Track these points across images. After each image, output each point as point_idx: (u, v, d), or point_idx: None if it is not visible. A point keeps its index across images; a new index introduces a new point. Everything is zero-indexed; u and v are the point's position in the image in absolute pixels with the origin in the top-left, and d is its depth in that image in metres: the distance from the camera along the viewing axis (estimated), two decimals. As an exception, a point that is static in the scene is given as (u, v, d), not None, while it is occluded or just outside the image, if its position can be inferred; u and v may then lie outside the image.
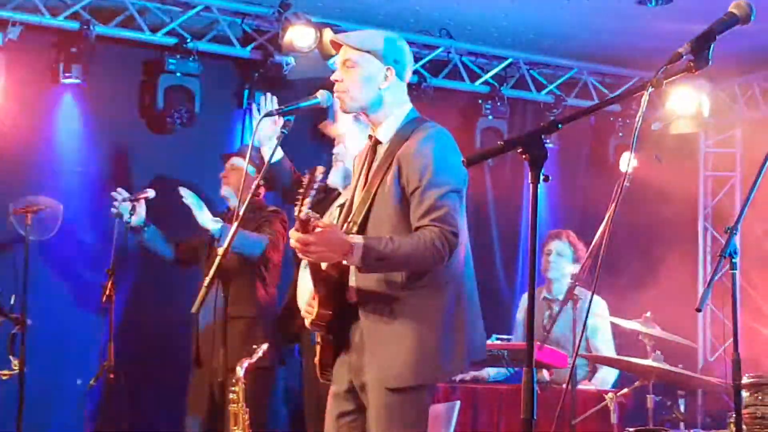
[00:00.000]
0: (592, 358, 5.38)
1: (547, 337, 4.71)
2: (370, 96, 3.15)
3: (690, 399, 4.69)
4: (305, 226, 2.88)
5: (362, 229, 3.08)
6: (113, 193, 5.04)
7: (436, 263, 2.98)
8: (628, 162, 2.80)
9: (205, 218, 4.81)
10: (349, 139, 4.26)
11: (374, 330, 3.04)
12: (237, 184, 5.04)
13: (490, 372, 5.45)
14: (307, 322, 3.15)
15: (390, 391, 3.00)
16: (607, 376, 5.38)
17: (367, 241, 2.93)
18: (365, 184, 3.16)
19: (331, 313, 3.06)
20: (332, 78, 3.18)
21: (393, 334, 3.01)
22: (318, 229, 2.90)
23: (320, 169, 3.01)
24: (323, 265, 3.07)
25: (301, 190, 2.93)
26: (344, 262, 2.99)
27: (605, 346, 5.49)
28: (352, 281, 3.09)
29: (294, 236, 2.91)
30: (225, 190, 5.19)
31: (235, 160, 5.20)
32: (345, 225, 3.14)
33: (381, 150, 3.18)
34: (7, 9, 5.51)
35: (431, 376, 3.06)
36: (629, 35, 6.58)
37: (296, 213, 2.89)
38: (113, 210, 5.00)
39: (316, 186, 2.93)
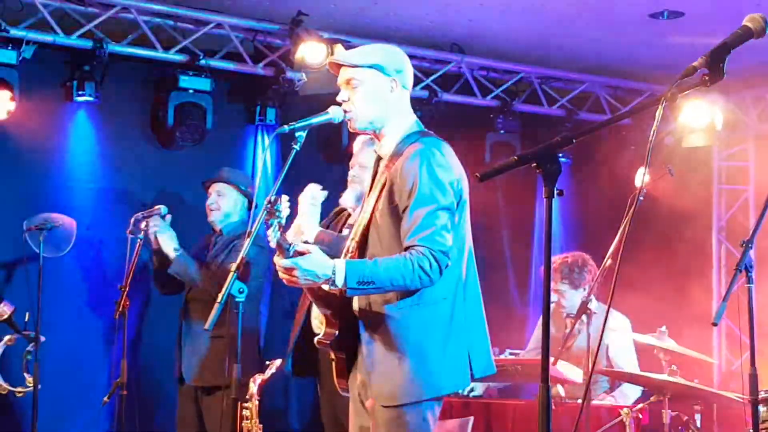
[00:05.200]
0: (608, 373, 5.33)
1: (561, 353, 4.69)
2: (379, 111, 3.12)
3: (706, 414, 4.64)
4: (284, 252, 2.86)
5: (362, 248, 3.07)
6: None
7: (423, 284, 2.92)
8: (642, 176, 2.77)
9: (168, 247, 5.03)
10: (365, 160, 4.25)
11: (371, 347, 3.04)
12: (226, 209, 5.22)
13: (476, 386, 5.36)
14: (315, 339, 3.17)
15: (385, 408, 3.00)
16: (628, 392, 5.31)
17: (349, 264, 2.90)
18: (367, 201, 3.16)
19: (335, 331, 3.06)
20: (338, 98, 3.14)
21: (388, 352, 3.00)
22: (299, 255, 2.87)
23: (285, 197, 2.96)
24: None
25: (267, 219, 2.87)
26: (327, 287, 2.95)
27: (629, 366, 5.38)
28: (356, 298, 3.08)
29: (276, 262, 2.90)
30: (214, 216, 5.25)
31: (220, 186, 5.28)
32: (348, 243, 3.14)
33: (381, 166, 3.16)
34: (20, 28, 5.55)
35: (426, 393, 3.01)
36: (641, 49, 6.58)
37: (269, 241, 2.88)
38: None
39: (280, 214, 2.87)
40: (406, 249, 2.94)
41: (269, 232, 2.88)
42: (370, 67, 3.10)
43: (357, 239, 3.08)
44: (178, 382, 5.17)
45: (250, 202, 5.30)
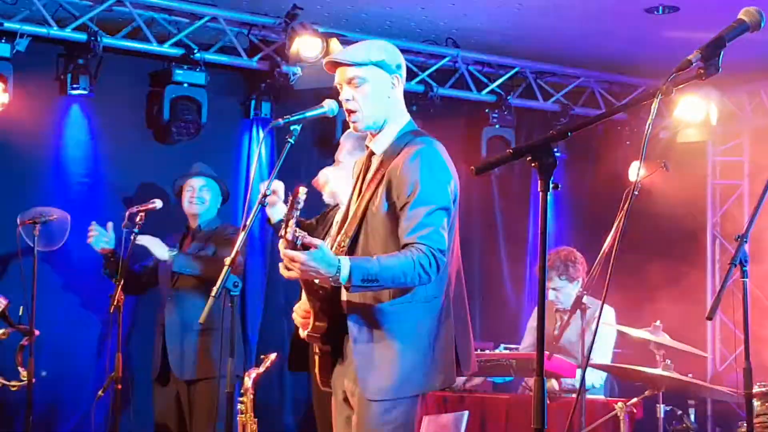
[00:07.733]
0: (602, 367, 5.33)
1: (554, 347, 4.69)
2: (383, 109, 3.09)
3: (700, 408, 4.65)
4: (294, 246, 2.86)
5: (354, 243, 3.06)
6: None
7: (422, 282, 2.94)
8: (637, 171, 2.78)
9: (162, 252, 5.10)
10: (340, 156, 4.23)
11: (360, 341, 3.03)
12: (210, 204, 5.33)
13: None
14: (301, 332, 3.17)
15: (371, 403, 2.99)
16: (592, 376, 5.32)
17: (353, 261, 2.90)
18: (359, 196, 3.14)
19: (325, 325, 3.06)
20: (341, 98, 3.10)
21: (376, 347, 3.00)
22: (306, 247, 2.86)
23: (302, 189, 2.95)
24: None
25: (285, 212, 2.89)
26: (331, 281, 2.95)
27: (600, 357, 5.37)
28: (343, 293, 3.07)
29: (282, 252, 2.89)
30: (199, 209, 5.32)
31: (193, 181, 5.32)
32: (338, 237, 3.12)
33: (375, 162, 3.14)
34: (14, 21, 5.53)
35: (412, 389, 3.02)
36: (636, 43, 6.57)
37: (281, 233, 2.87)
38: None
39: (299, 206, 2.88)
40: (404, 246, 2.95)
41: (290, 222, 2.86)
42: (373, 64, 3.06)
43: (349, 234, 3.06)
44: (157, 381, 5.18)
45: (224, 197, 5.40)
